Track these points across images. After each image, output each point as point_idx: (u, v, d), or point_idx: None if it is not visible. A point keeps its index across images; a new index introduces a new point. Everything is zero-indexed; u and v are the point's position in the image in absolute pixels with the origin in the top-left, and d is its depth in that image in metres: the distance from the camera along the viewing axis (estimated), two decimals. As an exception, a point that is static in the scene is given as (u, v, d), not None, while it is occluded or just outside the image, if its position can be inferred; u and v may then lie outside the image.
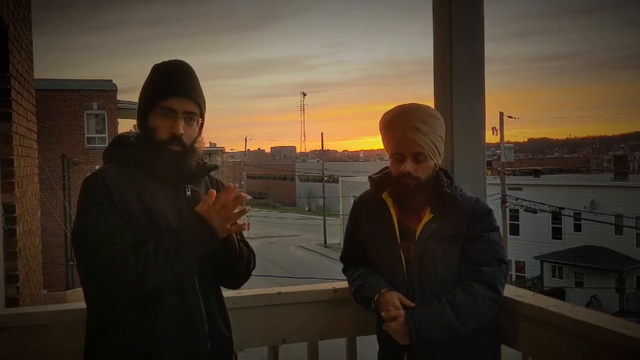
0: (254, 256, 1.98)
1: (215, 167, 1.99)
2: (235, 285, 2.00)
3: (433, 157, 2.10)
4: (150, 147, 1.81)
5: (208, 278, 1.88)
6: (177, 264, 1.71)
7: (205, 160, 1.95)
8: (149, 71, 1.89)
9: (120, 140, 1.89)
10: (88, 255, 1.70)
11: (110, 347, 1.76)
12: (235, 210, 1.74)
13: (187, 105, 1.82)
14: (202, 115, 1.89)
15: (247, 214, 1.91)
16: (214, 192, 1.75)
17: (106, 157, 1.89)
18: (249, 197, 1.79)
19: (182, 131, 1.80)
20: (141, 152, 1.82)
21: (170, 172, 1.82)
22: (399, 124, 2.10)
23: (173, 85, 1.81)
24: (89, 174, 1.85)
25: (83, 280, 1.77)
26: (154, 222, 1.75)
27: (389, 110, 2.17)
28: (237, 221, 1.77)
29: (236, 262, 1.91)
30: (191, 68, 1.88)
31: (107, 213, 1.70)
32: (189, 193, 1.87)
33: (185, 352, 1.78)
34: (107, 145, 1.94)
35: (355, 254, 2.31)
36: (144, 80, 1.88)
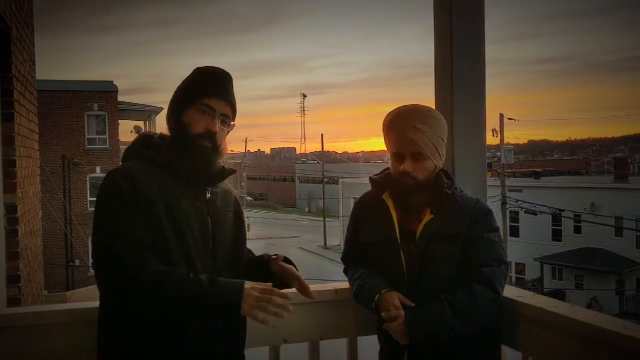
0: None
1: (234, 172, 2.00)
2: None
3: (432, 158, 2.11)
4: (179, 144, 1.84)
5: (225, 276, 1.83)
6: (188, 298, 1.69)
7: (224, 165, 1.97)
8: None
9: (147, 139, 1.91)
10: (107, 245, 1.71)
11: (130, 338, 1.75)
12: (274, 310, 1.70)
13: (225, 108, 1.89)
14: (233, 121, 1.94)
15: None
16: (270, 286, 1.73)
17: (129, 154, 1.91)
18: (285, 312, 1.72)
19: (217, 129, 1.86)
20: (167, 151, 1.85)
21: (195, 171, 1.85)
22: (400, 123, 2.12)
23: (216, 86, 1.89)
24: (111, 169, 1.86)
25: (99, 269, 1.74)
26: (174, 222, 1.77)
27: (392, 111, 2.18)
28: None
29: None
30: (231, 77, 1.94)
31: (129, 207, 1.72)
32: (209, 195, 1.90)
33: (203, 346, 1.79)
34: (131, 143, 1.95)
35: (355, 255, 2.32)
36: (181, 81, 1.92)
